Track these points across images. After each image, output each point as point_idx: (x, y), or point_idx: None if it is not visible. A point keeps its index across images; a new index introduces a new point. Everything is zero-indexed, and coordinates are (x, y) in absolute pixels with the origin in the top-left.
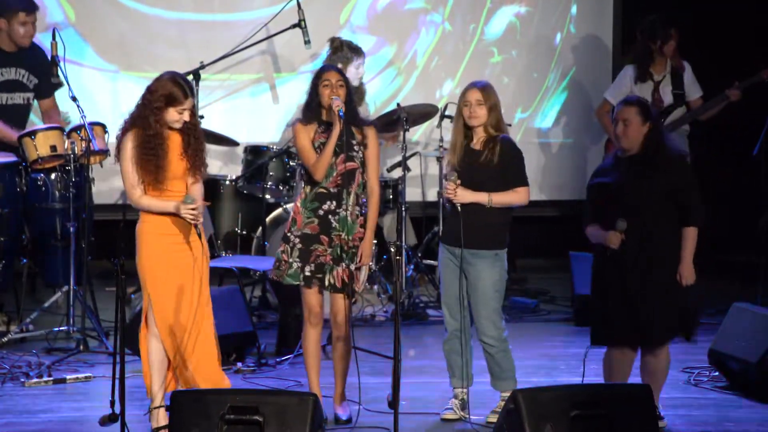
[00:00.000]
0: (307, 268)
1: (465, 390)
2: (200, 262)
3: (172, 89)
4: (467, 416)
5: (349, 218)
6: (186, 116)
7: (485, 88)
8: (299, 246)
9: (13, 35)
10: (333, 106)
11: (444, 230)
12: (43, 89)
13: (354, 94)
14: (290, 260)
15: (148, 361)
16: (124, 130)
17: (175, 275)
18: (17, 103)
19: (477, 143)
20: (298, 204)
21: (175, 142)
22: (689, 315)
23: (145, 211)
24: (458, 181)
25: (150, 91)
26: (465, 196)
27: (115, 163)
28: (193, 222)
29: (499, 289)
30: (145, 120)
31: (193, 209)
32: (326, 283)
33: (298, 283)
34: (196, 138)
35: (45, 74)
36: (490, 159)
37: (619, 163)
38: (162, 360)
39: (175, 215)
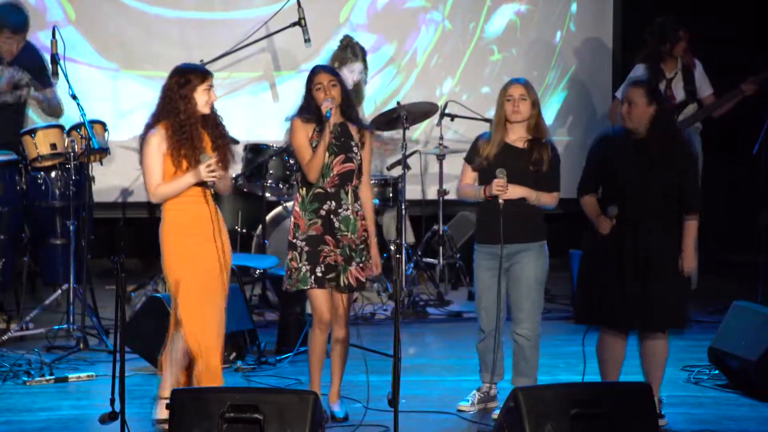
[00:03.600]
0: (318, 270)
1: (491, 384)
2: (224, 260)
3: (193, 70)
4: (475, 410)
5: (351, 217)
6: (213, 95)
7: (528, 84)
8: (307, 249)
9: None
10: (322, 108)
11: (481, 231)
12: (40, 81)
13: (351, 93)
14: (299, 265)
15: (169, 357)
16: (149, 127)
17: (201, 277)
18: (7, 102)
19: (518, 141)
20: (297, 208)
21: (204, 138)
22: (686, 305)
23: (166, 211)
24: (505, 178)
25: (170, 83)
26: (516, 191)
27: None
28: (211, 180)
29: (542, 282)
30: (174, 109)
31: (209, 165)
32: (341, 283)
33: (306, 287)
34: (221, 131)
35: (39, 69)
36: (540, 163)
37: (628, 140)
38: (181, 360)
39: (198, 189)
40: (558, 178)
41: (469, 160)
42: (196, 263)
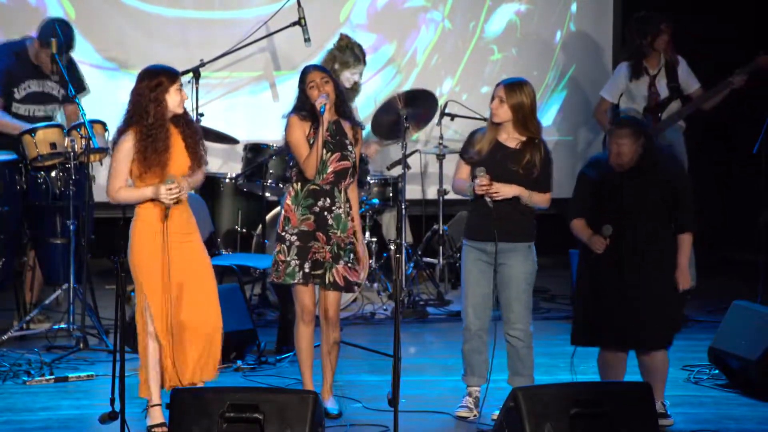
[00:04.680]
0: (306, 265)
1: (479, 387)
2: (198, 258)
3: (162, 72)
4: (478, 414)
5: (342, 215)
6: (184, 94)
7: (510, 86)
8: (297, 244)
9: (40, 60)
10: (316, 105)
11: (471, 227)
12: (68, 97)
13: (343, 87)
14: (288, 259)
15: (145, 361)
16: (121, 131)
17: (170, 275)
18: (37, 116)
19: (509, 140)
20: (289, 202)
21: (175, 138)
22: (680, 322)
23: (140, 208)
24: (488, 176)
25: (140, 87)
26: (505, 190)
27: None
28: (168, 203)
29: (531, 282)
30: (144, 113)
31: (170, 189)
32: (327, 280)
33: (294, 282)
34: (193, 129)
35: (73, 82)
36: (531, 166)
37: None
38: (158, 359)
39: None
40: (550, 179)
41: (462, 153)
42: (164, 262)
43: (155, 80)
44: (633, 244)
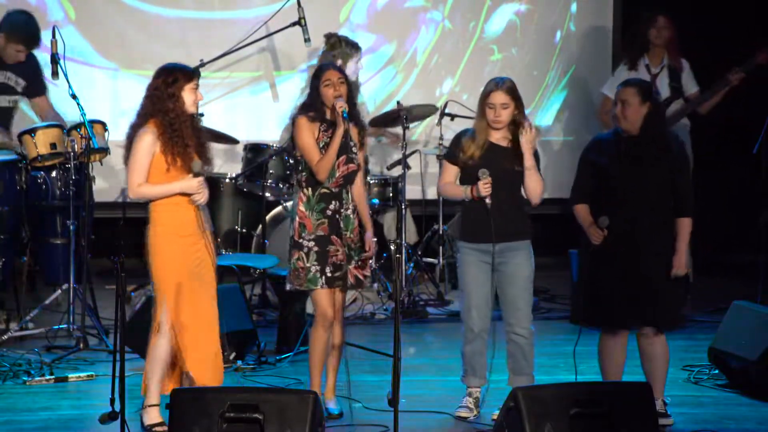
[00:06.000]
0: (327, 270)
1: (479, 388)
2: (212, 261)
3: (178, 69)
4: (478, 414)
5: (351, 216)
6: (200, 94)
7: (510, 87)
8: (316, 249)
9: (3, 53)
10: (337, 107)
11: (468, 229)
12: (33, 89)
13: (355, 91)
14: (307, 265)
15: (151, 358)
16: (136, 126)
17: (191, 277)
18: (1, 106)
19: (501, 139)
20: (302, 208)
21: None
22: (682, 303)
23: (157, 213)
24: (490, 178)
25: (157, 83)
26: (528, 155)
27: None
28: (198, 200)
29: (532, 280)
30: (163, 108)
31: (201, 182)
32: (347, 282)
33: (317, 287)
34: (200, 132)
35: (33, 75)
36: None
37: (619, 142)
38: (165, 359)
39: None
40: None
41: (449, 156)
42: (188, 264)
43: (171, 76)
44: (632, 226)
